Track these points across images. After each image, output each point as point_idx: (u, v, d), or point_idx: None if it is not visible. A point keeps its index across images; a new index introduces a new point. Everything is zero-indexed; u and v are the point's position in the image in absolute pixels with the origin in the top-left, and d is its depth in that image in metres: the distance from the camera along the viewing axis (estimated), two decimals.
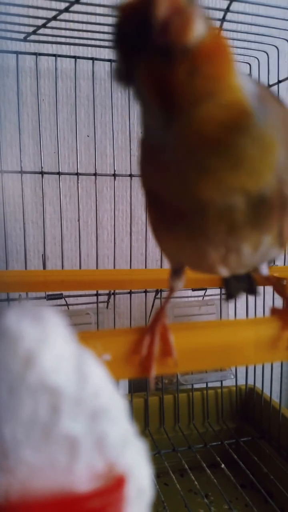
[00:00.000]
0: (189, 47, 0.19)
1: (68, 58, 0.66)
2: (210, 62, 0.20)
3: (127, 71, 0.22)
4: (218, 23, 0.59)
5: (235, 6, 0.55)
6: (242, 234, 0.26)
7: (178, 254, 0.30)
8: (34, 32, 0.58)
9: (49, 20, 0.55)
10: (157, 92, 0.21)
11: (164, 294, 0.69)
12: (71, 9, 0.52)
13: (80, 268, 0.68)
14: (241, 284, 0.42)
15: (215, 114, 0.21)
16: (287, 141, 0.24)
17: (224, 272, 0.29)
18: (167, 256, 0.32)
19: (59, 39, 0.62)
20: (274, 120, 0.23)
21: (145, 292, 0.70)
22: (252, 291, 0.43)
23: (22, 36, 0.60)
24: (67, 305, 0.64)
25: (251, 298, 0.76)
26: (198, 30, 0.19)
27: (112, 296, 0.69)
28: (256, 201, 0.24)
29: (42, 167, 0.65)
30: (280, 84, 0.66)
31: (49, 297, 0.60)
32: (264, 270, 0.33)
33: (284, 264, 0.72)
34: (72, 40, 0.63)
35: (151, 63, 0.20)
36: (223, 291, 0.71)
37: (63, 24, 0.58)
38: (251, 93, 0.22)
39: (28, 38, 0.60)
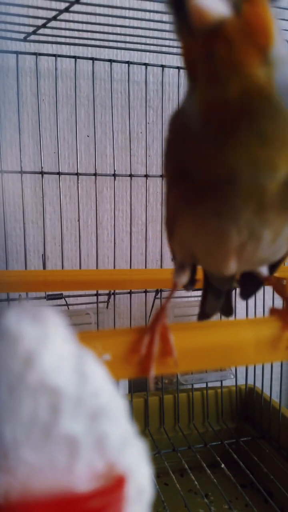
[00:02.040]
0: (210, 28, 0.21)
1: (68, 58, 0.66)
2: (237, 41, 0.21)
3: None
4: None
5: None
6: (269, 217, 0.25)
7: (194, 240, 0.29)
8: (34, 32, 0.58)
9: (49, 20, 0.55)
10: (189, 64, 0.23)
11: (164, 294, 0.69)
12: (71, 9, 0.52)
13: (80, 268, 0.68)
14: (218, 302, 0.41)
15: (240, 90, 0.22)
16: None
17: (231, 267, 0.29)
18: (178, 246, 0.31)
19: (59, 39, 0.62)
20: None
21: (145, 292, 0.70)
22: (228, 311, 0.42)
23: (22, 36, 0.60)
24: (67, 305, 0.64)
25: (251, 298, 0.76)
26: (219, 12, 0.20)
27: (112, 296, 0.69)
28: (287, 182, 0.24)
29: (42, 167, 0.65)
30: None
31: (49, 297, 0.60)
32: (264, 270, 0.34)
33: (284, 264, 0.72)
34: (72, 40, 0.63)
35: (185, 34, 0.22)
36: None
37: (63, 24, 0.58)
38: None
39: (28, 38, 0.60)
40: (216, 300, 0.41)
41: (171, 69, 0.72)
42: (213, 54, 0.21)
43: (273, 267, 0.36)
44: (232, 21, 0.21)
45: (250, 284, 0.40)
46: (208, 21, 0.20)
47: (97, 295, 0.66)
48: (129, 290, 0.69)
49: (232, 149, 0.23)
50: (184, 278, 0.33)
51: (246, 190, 0.24)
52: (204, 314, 0.42)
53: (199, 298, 0.75)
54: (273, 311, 0.30)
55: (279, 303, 0.38)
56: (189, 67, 0.24)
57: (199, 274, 0.39)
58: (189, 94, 0.25)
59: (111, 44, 0.64)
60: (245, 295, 0.42)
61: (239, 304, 0.76)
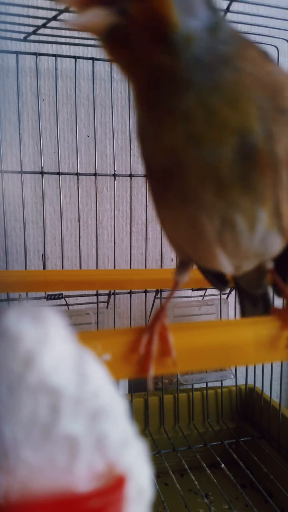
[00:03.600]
0: (105, 35, 0.23)
1: (68, 58, 0.66)
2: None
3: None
4: None
5: (235, 6, 0.55)
6: (234, 199, 0.24)
7: (176, 234, 0.29)
8: (34, 32, 0.58)
9: (49, 20, 0.55)
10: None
11: (164, 294, 0.69)
12: (71, 9, 0.52)
13: (80, 268, 0.68)
14: (257, 309, 0.40)
15: (151, 77, 0.23)
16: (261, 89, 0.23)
17: (223, 262, 0.28)
18: (171, 242, 0.31)
19: (59, 39, 0.62)
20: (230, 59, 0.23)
21: (145, 292, 0.70)
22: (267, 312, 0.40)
23: (22, 36, 0.60)
24: (67, 305, 0.64)
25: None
26: (103, 20, 0.22)
27: (112, 296, 0.69)
28: (242, 153, 0.23)
29: (42, 167, 0.65)
30: None
31: (49, 297, 0.60)
32: (271, 265, 0.33)
33: None
34: (72, 40, 0.63)
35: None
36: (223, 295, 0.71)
37: (63, 24, 0.58)
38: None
39: (28, 38, 0.60)
40: (254, 308, 0.40)
41: None
42: (120, 53, 0.24)
43: (282, 265, 0.34)
44: (122, 23, 0.22)
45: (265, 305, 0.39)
46: (98, 30, 0.23)
47: (97, 295, 0.66)
48: (129, 290, 0.69)
49: (165, 130, 0.24)
50: (186, 277, 0.32)
51: (197, 169, 0.24)
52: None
53: (199, 298, 0.75)
54: (273, 310, 0.30)
55: (279, 303, 0.38)
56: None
57: (196, 273, 0.38)
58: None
59: None
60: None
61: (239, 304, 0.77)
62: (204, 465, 0.63)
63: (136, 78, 0.24)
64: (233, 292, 0.72)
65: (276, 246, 0.28)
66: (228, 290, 0.70)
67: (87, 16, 0.22)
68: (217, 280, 0.40)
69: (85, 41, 0.64)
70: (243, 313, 0.41)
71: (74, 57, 0.64)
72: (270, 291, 0.40)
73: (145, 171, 0.28)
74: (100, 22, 0.22)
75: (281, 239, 0.27)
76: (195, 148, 0.23)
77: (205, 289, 0.67)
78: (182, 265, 0.32)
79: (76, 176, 0.68)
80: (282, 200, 0.25)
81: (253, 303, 0.39)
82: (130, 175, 0.70)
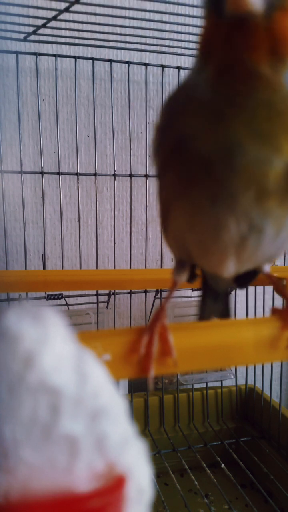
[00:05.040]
0: (241, 16, 0.21)
1: (68, 58, 0.66)
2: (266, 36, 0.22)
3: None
4: None
5: None
6: (271, 207, 0.24)
7: (188, 234, 0.28)
8: (34, 32, 0.58)
9: (49, 20, 0.55)
10: (206, 42, 0.25)
11: (164, 294, 0.69)
12: (71, 9, 0.52)
13: (80, 268, 0.68)
14: (216, 306, 0.39)
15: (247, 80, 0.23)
16: None
17: (229, 268, 0.27)
18: (173, 243, 0.30)
19: (59, 39, 0.62)
20: None
21: (145, 292, 0.70)
22: (226, 314, 0.40)
23: (22, 36, 0.60)
24: (67, 305, 0.64)
25: (251, 298, 0.76)
26: (255, 5, 0.21)
27: (112, 296, 0.69)
28: None
29: (42, 167, 0.65)
30: None
31: (49, 297, 0.60)
32: (267, 268, 0.33)
33: (284, 264, 0.72)
34: (72, 40, 0.63)
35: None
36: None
37: (63, 24, 0.58)
38: None
39: (28, 38, 0.60)
40: (214, 304, 0.39)
41: (171, 69, 0.72)
42: (233, 39, 0.23)
43: None
44: (261, 19, 0.22)
45: (246, 275, 0.38)
46: (242, 10, 0.21)
47: (97, 295, 0.66)
48: (129, 290, 0.69)
49: (237, 113, 0.23)
50: (184, 277, 0.32)
51: (247, 170, 0.23)
52: (202, 318, 0.41)
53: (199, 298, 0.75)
54: (274, 311, 0.30)
55: (279, 303, 0.38)
56: (204, 45, 0.25)
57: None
58: (195, 70, 0.25)
59: (111, 44, 0.64)
60: (241, 285, 0.38)
61: (239, 304, 0.77)
62: (204, 465, 0.63)
63: (225, 58, 0.23)
64: (233, 292, 0.72)
65: (284, 249, 0.28)
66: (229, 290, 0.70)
67: None
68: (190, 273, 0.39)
69: (85, 41, 0.64)
70: (203, 309, 0.41)
71: (74, 57, 0.64)
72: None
73: (168, 154, 0.26)
74: (254, 3, 0.21)
75: None
76: (256, 145, 0.23)
77: None
78: (180, 265, 0.31)
79: (76, 176, 0.68)
80: None
81: (214, 298, 0.39)
82: (130, 175, 0.70)
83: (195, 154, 0.24)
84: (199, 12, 0.60)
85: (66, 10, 0.52)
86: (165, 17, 0.65)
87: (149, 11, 0.59)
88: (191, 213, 0.26)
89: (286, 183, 0.23)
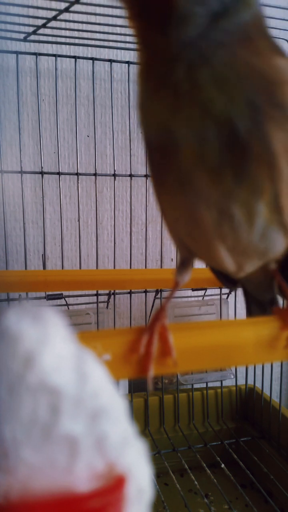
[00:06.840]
0: None
1: (68, 58, 0.66)
2: None
3: None
4: None
5: None
6: (228, 188, 0.23)
7: (176, 224, 0.28)
8: (34, 32, 0.58)
9: (49, 20, 0.55)
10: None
11: (164, 294, 0.69)
12: (71, 9, 0.52)
13: (80, 268, 0.68)
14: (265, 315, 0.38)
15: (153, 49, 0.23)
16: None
17: (226, 259, 0.27)
18: (172, 236, 0.30)
19: (59, 39, 0.62)
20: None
21: (145, 292, 0.70)
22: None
23: (22, 36, 0.60)
24: (67, 305, 0.64)
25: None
26: None
27: (112, 296, 0.69)
28: (229, 140, 0.22)
29: (42, 167, 0.65)
30: None
31: (49, 297, 0.60)
32: (273, 266, 0.32)
33: None
34: (72, 40, 0.63)
35: None
36: (223, 291, 0.71)
37: (63, 24, 0.58)
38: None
39: (28, 38, 0.60)
40: (262, 314, 0.38)
41: None
42: (136, 21, 0.24)
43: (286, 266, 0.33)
44: None
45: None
46: None
47: (97, 295, 0.66)
48: (129, 290, 0.69)
49: (160, 104, 0.23)
50: (186, 277, 0.31)
51: (187, 149, 0.23)
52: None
53: (199, 298, 0.75)
54: (274, 311, 0.30)
55: (279, 303, 0.38)
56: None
57: (196, 273, 0.37)
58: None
59: (111, 44, 0.64)
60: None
61: (239, 304, 0.77)
62: (204, 465, 0.63)
63: (141, 50, 0.24)
64: (233, 293, 0.72)
65: (278, 245, 0.27)
66: (229, 290, 0.70)
67: None
68: (225, 278, 0.38)
69: (85, 41, 0.64)
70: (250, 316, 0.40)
71: (74, 57, 0.64)
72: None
73: (146, 151, 0.27)
74: None
75: (283, 237, 0.27)
76: (183, 124, 0.23)
77: (205, 289, 0.67)
78: (183, 265, 0.31)
79: (76, 176, 0.68)
80: (282, 194, 0.24)
81: (260, 308, 0.38)
82: (130, 175, 0.70)
83: (155, 148, 0.25)
84: None
85: (66, 10, 0.52)
86: None
87: None
88: (171, 206, 0.27)
89: (228, 157, 0.23)
